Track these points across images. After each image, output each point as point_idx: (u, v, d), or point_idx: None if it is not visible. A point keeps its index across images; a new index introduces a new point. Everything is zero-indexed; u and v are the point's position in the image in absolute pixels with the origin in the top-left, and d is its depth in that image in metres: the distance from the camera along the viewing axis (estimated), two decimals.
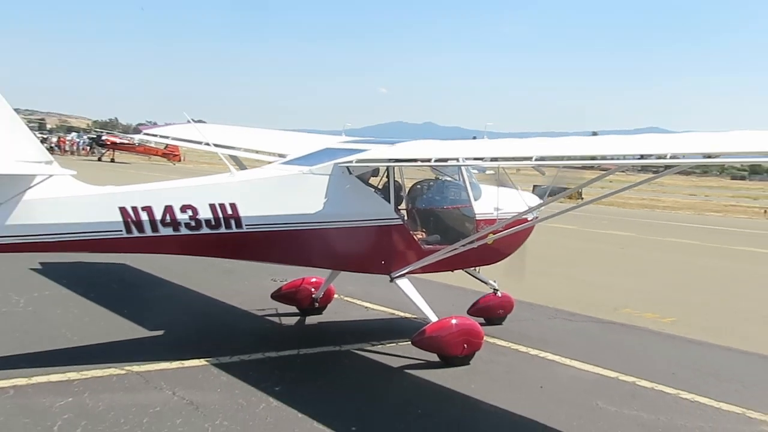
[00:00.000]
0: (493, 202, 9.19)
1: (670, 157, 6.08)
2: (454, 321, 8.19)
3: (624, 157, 6.57)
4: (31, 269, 11.99)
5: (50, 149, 38.23)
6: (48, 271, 11.97)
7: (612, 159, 6.74)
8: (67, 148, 66.52)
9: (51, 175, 6.81)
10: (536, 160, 7.02)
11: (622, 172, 8.32)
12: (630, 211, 38.62)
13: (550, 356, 8.93)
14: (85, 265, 12.29)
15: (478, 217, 9.06)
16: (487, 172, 9.72)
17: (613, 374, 8.32)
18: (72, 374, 7.07)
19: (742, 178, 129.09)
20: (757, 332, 11.29)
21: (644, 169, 7.85)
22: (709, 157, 6.00)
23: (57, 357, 7.59)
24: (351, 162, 8.12)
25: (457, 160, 8.31)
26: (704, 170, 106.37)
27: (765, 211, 45.83)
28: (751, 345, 10.27)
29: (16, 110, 6.95)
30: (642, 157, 6.53)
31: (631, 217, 34.94)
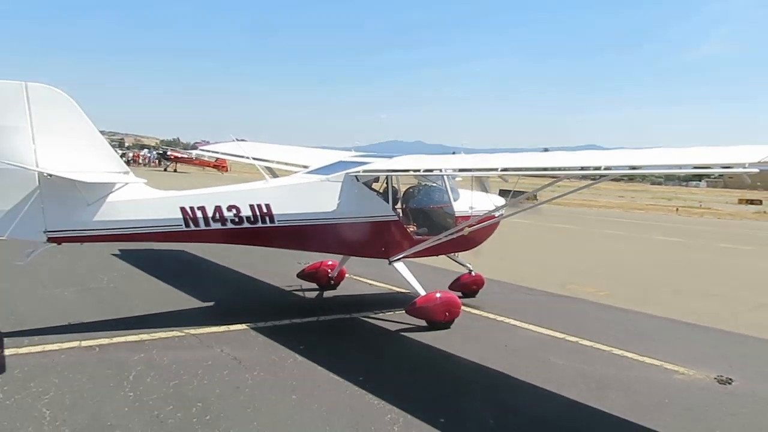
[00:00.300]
0: (468, 202, 9.16)
1: (604, 169, 6.06)
2: (438, 294, 8.18)
3: (569, 168, 6.53)
4: (113, 255, 11.99)
5: (127, 162, 38.13)
6: (125, 256, 11.95)
7: (559, 170, 6.70)
8: (140, 161, 66.30)
9: (128, 183, 6.80)
10: (501, 170, 6.99)
11: (568, 179, 8.26)
12: (574, 209, 38.47)
13: (513, 321, 8.91)
14: (154, 251, 12.29)
15: (457, 214, 9.03)
16: (456, 179, 9.66)
17: (560, 335, 8.30)
18: (144, 336, 7.07)
19: (660, 183, 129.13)
20: (670, 302, 11.25)
21: (584, 177, 7.78)
22: (634, 168, 5.97)
23: (132, 322, 7.60)
24: (359, 172, 8.09)
25: (441, 170, 8.27)
26: (630, 178, 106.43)
27: (677, 209, 45.77)
28: (666, 312, 10.24)
29: (102, 132, 6.92)
30: (582, 168, 6.49)
31: (575, 214, 34.81)
